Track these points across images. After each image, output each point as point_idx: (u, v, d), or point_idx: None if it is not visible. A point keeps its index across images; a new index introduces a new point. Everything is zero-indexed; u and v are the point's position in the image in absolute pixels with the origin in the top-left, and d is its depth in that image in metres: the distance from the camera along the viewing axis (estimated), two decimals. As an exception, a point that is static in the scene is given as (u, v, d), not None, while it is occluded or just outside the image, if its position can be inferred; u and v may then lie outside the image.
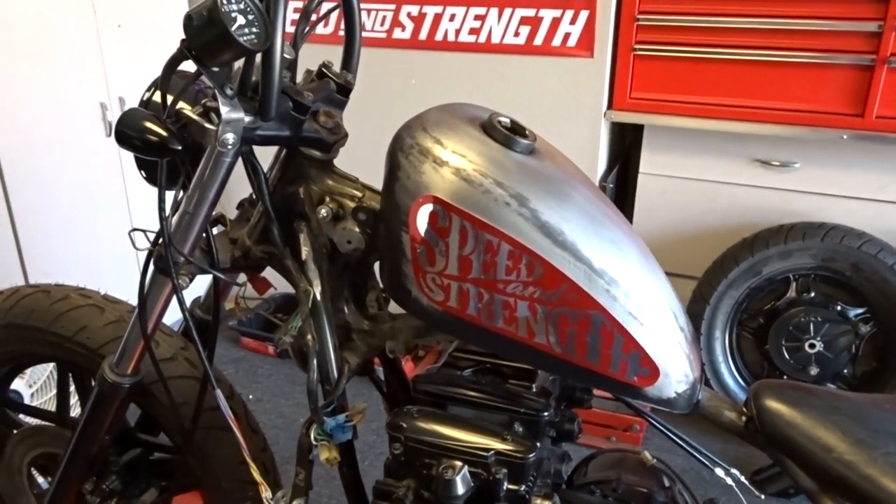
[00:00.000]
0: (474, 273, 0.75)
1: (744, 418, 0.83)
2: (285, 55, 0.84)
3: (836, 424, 0.76)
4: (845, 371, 2.06)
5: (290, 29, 0.94)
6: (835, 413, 0.77)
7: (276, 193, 0.92)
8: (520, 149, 0.78)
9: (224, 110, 0.77)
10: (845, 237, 1.96)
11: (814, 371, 2.04)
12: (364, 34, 2.38)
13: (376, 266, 0.91)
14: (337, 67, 0.95)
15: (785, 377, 2.09)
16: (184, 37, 0.72)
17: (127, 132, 0.79)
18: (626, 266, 0.77)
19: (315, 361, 0.89)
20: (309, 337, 0.89)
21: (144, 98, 0.94)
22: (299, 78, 0.96)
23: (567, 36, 2.14)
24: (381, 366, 1.08)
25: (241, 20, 0.71)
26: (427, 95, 2.38)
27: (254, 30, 0.72)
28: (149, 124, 0.79)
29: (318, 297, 0.89)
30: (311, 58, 0.98)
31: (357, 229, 0.88)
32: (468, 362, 0.92)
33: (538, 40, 2.18)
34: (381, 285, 0.92)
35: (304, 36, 0.94)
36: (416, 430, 0.85)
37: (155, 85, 0.93)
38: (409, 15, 2.31)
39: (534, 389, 0.88)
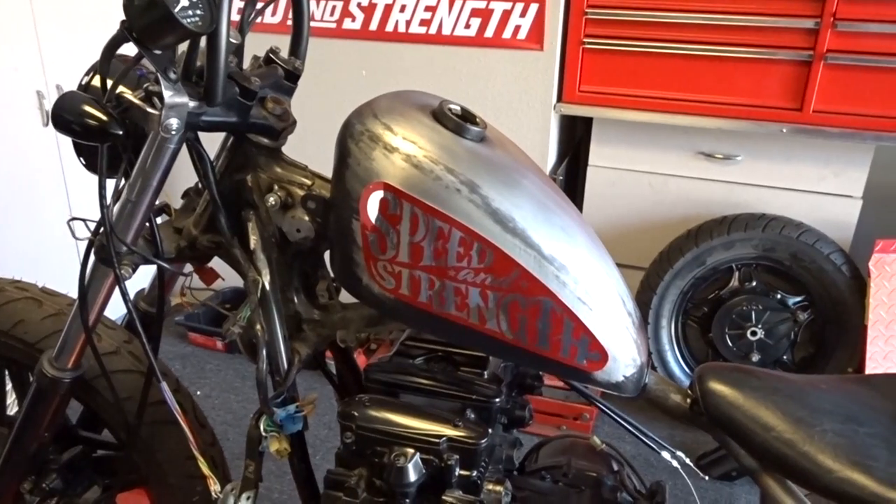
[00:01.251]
0: (425, 260, 0.75)
1: (689, 401, 0.85)
2: (231, 40, 0.82)
3: (776, 404, 0.79)
4: (784, 357, 2.13)
5: (237, 15, 0.92)
6: (775, 393, 0.80)
7: (223, 181, 0.90)
8: (470, 136, 0.79)
9: (167, 94, 0.75)
10: (785, 228, 2.03)
11: (755, 358, 2.11)
12: (313, 24, 2.35)
13: (326, 255, 0.90)
14: (285, 53, 0.93)
15: (728, 364, 2.15)
16: (124, 18, 0.70)
17: (65, 116, 0.76)
18: (576, 252, 0.78)
19: (264, 352, 0.87)
20: (258, 327, 0.87)
21: (83, 83, 0.91)
22: (246, 64, 0.94)
23: (517, 28, 2.15)
24: (333, 359, 1.07)
25: (184, 1, 0.69)
26: (378, 87, 2.34)
27: (198, 12, 0.70)
28: (88, 108, 0.76)
29: (268, 286, 0.87)
30: (259, 48, 0.96)
31: (306, 218, 0.86)
32: (420, 350, 0.92)
33: (489, 32, 2.18)
34: (331, 275, 0.91)
35: (250, 21, 0.92)
36: (368, 419, 0.85)
37: (94, 69, 0.90)
38: (359, 5, 2.28)
39: (485, 376, 0.88)
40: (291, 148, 0.92)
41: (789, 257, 2.05)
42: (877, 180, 2.09)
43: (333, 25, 2.33)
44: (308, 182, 0.88)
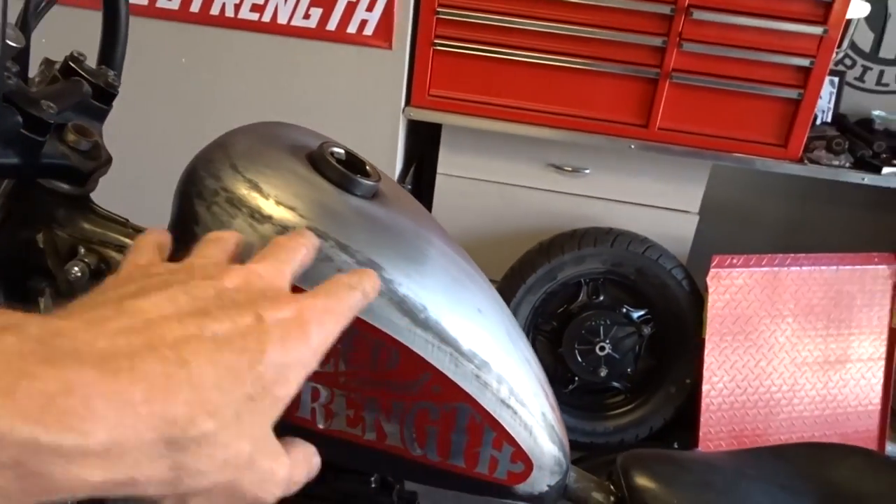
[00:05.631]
0: (308, 365, 0.55)
1: (612, 498, 0.74)
2: (9, 42, 0.56)
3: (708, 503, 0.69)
4: (629, 370, 2.16)
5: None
6: (707, 489, 0.71)
7: (1, 240, 0.63)
8: (361, 192, 0.60)
9: None
10: (631, 243, 2.04)
11: (603, 372, 2.11)
12: (120, -1, 1.98)
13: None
14: (92, 61, 0.68)
15: (576, 379, 2.14)
16: None
17: None
18: (495, 341, 0.62)
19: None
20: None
21: None
22: (34, 72, 0.67)
23: (364, 23, 1.96)
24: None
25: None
26: (201, 80, 2.06)
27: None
28: None
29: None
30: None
31: (129, 292, 0.63)
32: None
33: (331, 25, 1.97)
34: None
35: (39, 11, 0.65)
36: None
37: None
38: (177, -19, 1.96)
39: (373, 484, 0.71)
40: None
41: (635, 272, 2.07)
42: (711, 197, 2.17)
43: (145, 2, 1.98)
44: (129, 242, 0.64)
